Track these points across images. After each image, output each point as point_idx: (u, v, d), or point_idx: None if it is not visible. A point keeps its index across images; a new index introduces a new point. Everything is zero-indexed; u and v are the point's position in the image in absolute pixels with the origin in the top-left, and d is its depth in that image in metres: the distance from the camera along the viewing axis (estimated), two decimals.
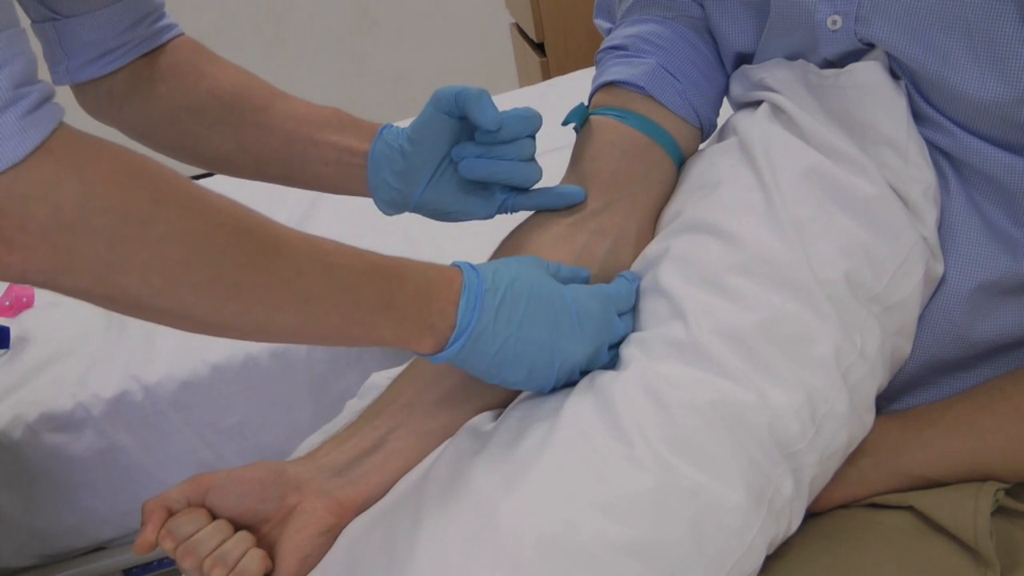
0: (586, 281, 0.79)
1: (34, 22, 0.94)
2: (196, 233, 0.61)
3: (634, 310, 0.78)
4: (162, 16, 0.96)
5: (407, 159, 0.87)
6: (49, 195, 0.56)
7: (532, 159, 0.87)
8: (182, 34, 0.98)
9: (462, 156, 0.85)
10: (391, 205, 0.90)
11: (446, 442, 0.76)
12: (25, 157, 0.56)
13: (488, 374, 0.72)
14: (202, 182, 0.64)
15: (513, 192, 0.88)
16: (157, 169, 0.61)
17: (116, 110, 0.98)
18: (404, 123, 0.90)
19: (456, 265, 0.73)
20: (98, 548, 1.48)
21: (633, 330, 0.77)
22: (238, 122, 0.94)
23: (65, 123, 0.59)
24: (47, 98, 0.58)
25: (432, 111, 0.85)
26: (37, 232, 0.56)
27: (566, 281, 0.77)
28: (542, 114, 0.85)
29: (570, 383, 0.75)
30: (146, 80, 0.95)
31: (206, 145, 0.96)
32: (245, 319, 0.64)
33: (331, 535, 0.72)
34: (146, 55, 0.96)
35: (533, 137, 0.86)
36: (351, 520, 0.73)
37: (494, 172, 0.85)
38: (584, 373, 0.75)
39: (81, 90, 0.97)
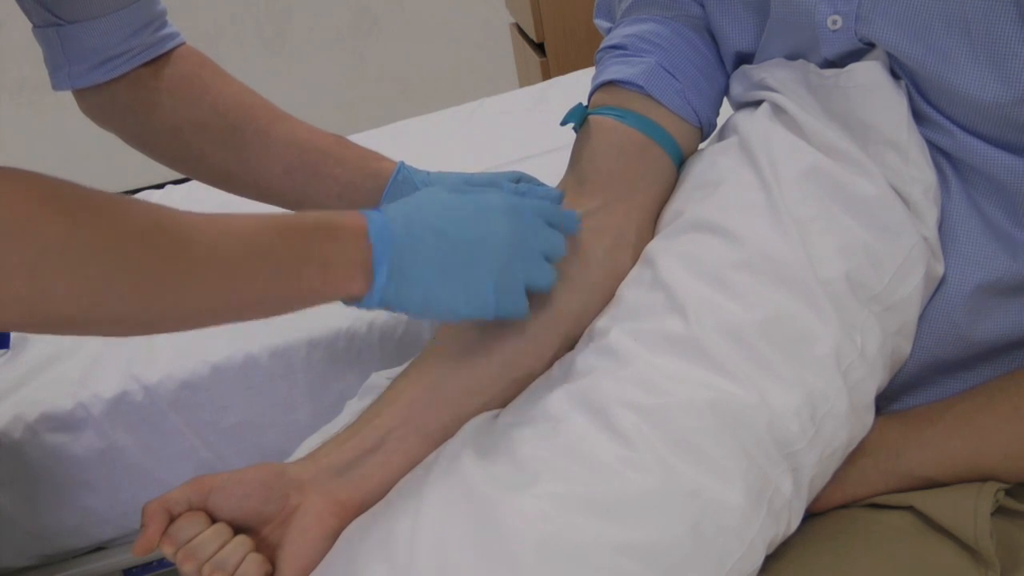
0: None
1: (36, 27, 0.94)
2: (110, 248, 0.60)
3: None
4: (164, 24, 0.96)
5: None
6: None
7: None
8: (184, 43, 0.98)
9: None
10: None
11: (446, 442, 0.76)
12: None
13: (428, 295, 0.71)
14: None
15: None
16: (69, 191, 0.60)
17: (118, 118, 0.98)
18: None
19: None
20: (98, 548, 1.48)
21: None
22: (240, 143, 0.95)
23: None
24: None
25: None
26: None
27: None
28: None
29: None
30: (149, 90, 0.95)
31: (208, 161, 0.96)
32: (176, 311, 0.64)
33: (333, 536, 0.71)
34: (149, 64, 0.96)
35: None
36: (352, 520, 0.73)
37: None
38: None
39: (82, 95, 0.97)
